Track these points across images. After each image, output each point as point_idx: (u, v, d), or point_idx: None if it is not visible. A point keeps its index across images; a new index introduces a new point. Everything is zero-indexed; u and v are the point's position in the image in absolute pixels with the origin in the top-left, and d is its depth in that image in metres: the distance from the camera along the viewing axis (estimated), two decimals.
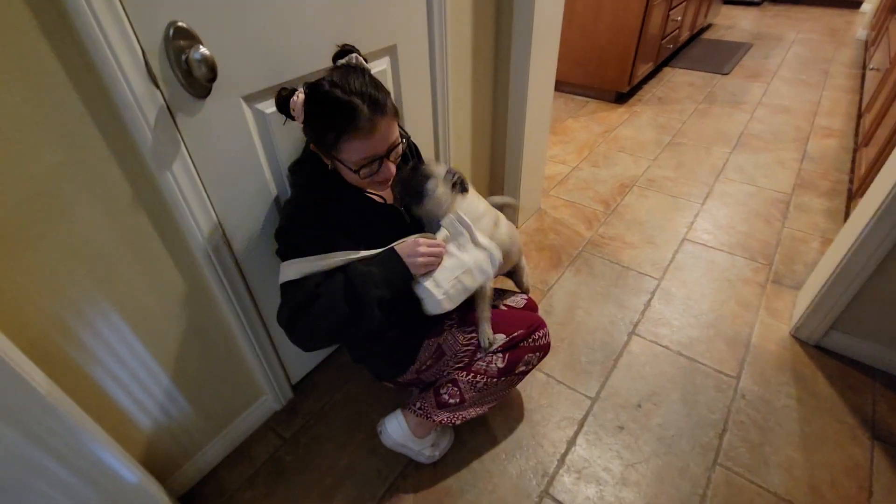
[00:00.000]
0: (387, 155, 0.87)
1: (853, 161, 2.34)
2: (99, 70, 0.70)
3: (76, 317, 0.80)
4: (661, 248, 1.86)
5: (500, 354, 1.07)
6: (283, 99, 0.84)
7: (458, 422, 1.08)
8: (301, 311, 0.84)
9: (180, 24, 0.75)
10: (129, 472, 0.88)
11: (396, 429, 1.13)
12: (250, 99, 0.91)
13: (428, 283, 0.91)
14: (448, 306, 0.94)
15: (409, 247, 0.90)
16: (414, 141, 0.98)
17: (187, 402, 1.07)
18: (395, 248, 0.91)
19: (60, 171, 0.71)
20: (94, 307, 0.82)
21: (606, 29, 2.84)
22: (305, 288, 0.84)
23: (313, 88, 0.81)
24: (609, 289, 1.69)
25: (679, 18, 3.35)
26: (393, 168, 0.90)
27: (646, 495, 1.12)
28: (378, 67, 1.14)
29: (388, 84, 1.20)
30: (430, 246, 0.91)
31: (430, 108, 1.39)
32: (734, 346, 1.46)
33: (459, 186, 1.02)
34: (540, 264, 1.80)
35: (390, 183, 0.97)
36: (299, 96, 0.82)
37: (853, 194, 2.02)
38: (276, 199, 1.05)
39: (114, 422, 0.92)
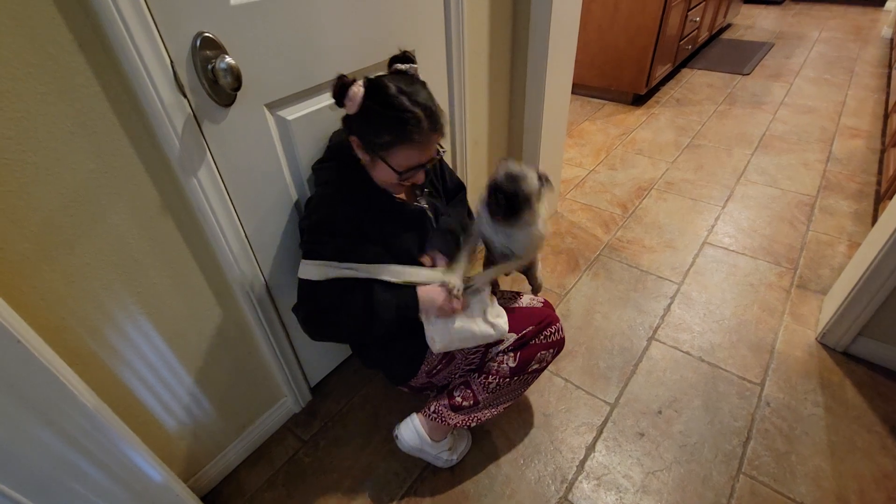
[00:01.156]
0: (425, 165, 0.91)
1: (881, 162, 2.28)
2: (130, 80, 0.72)
3: (107, 320, 0.83)
4: (680, 252, 1.84)
5: (512, 354, 1.06)
6: (342, 87, 0.84)
7: (473, 423, 1.08)
8: (323, 313, 0.90)
9: (207, 34, 0.77)
10: (156, 471, 0.90)
11: (412, 434, 1.12)
12: (273, 106, 0.93)
13: (431, 331, 0.99)
14: (436, 350, 1.02)
15: (430, 298, 0.96)
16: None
17: (210, 404, 1.09)
18: (419, 291, 0.96)
19: (94, 178, 0.73)
20: (124, 311, 0.85)
21: (623, 30, 2.82)
22: (330, 294, 0.89)
23: (378, 88, 0.83)
24: (628, 293, 1.67)
25: (698, 19, 3.31)
26: (423, 176, 0.94)
27: (668, 503, 1.10)
28: None
29: None
30: (448, 302, 0.96)
31: (448, 112, 1.39)
32: (758, 352, 1.43)
33: (546, 183, 0.99)
34: (557, 268, 1.79)
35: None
36: (359, 89, 0.83)
37: (881, 196, 1.96)
38: (297, 204, 1.07)
39: (140, 422, 0.94)
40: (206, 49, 0.77)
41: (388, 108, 0.82)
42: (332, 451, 1.24)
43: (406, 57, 0.90)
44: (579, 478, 1.16)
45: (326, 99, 1.01)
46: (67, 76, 0.66)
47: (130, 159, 0.77)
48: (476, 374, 1.07)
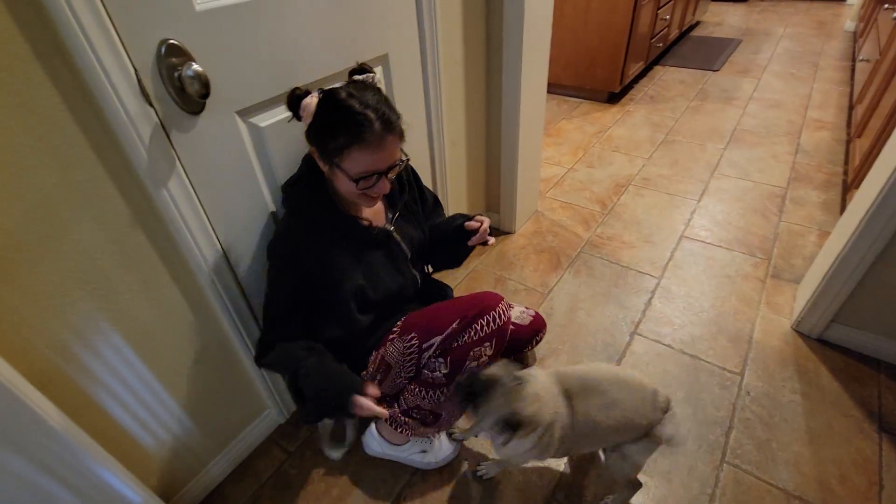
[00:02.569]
0: (386, 172, 0.88)
1: (847, 152, 2.35)
2: (92, 90, 0.70)
3: (77, 338, 0.80)
4: (659, 247, 1.87)
5: (441, 360, 0.96)
6: (295, 98, 0.85)
7: (444, 429, 1.12)
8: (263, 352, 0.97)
9: (172, 41, 0.75)
10: (133, 493, 0.87)
11: (371, 440, 1.19)
12: (244, 113, 0.91)
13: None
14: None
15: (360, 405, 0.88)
16: (409, 153, 0.97)
17: (190, 420, 1.06)
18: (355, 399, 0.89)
19: (56, 192, 0.71)
20: (94, 328, 0.82)
21: (596, 30, 2.85)
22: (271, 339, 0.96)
23: (329, 94, 0.84)
24: (609, 289, 1.68)
25: (667, 17, 3.37)
26: (388, 186, 0.91)
27: (654, 496, 1.11)
28: None
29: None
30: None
31: (424, 115, 1.39)
32: (737, 342, 1.46)
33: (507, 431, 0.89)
34: (539, 267, 1.80)
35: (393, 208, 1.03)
36: (313, 99, 0.84)
37: (848, 186, 2.02)
38: (274, 213, 1.05)
39: (117, 442, 0.91)
40: (172, 56, 0.75)
41: (339, 111, 0.82)
42: (318, 462, 1.22)
43: (363, 69, 0.91)
44: (566, 474, 1.16)
45: None
46: (24, 87, 0.64)
47: (95, 172, 0.74)
48: (417, 388, 1.01)
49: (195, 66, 0.76)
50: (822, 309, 1.39)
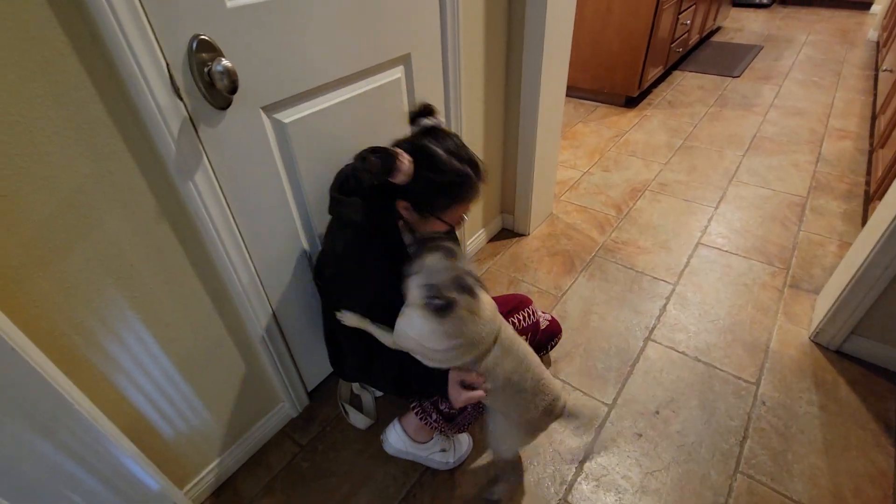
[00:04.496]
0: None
1: (869, 163, 2.31)
2: (125, 83, 0.72)
3: (102, 326, 0.81)
4: (675, 253, 1.85)
5: None
6: (389, 161, 0.80)
7: (466, 426, 1.10)
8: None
9: (203, 36, 0.76)
10: (152, 479, 0.89)
11: (395, 437, 1.17)
12: (269, 109, 0.92)
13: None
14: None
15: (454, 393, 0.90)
16: None
17: (206, 410, 1.08)
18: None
19: (89, 183, 0.72)
20: (119, 317, 0.83)
21: (615, 34, 2.84)
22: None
23: (427, 155, 0.84)
24: (624, 294, 1.67)
25: (688, 22, 3.34)
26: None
27: (666, 503, 1.10)
28: (392, 76, 1.15)
29: (402, 93, 1.21)
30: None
31: (443, 115, 1.39)
32: (753, 351, 1.44)
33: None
34: (553, 269, 1.80)
35: None
36: (409, 162, 0.82)
37: (871, 196, 1.99)
38: (295, 209, 1.06)
39: (136, 430, 0.93)
40: (203, 52, 0.77)
41: (443, 173, 0.85)
42: (330, 456, 1.24)
43: (427, 110, 0.91)
44: (578, 479, 1.16)
45: (323, 102, 1.01)
46: (62, 80, 0.66)
47: (126, 163, 0.76)
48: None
49: (225, 62, 0.77)
50: (842, 321, 1.37)
